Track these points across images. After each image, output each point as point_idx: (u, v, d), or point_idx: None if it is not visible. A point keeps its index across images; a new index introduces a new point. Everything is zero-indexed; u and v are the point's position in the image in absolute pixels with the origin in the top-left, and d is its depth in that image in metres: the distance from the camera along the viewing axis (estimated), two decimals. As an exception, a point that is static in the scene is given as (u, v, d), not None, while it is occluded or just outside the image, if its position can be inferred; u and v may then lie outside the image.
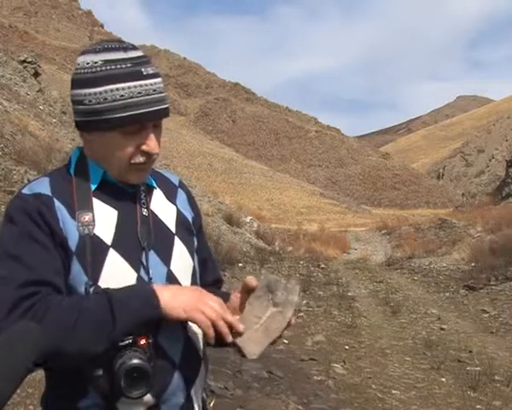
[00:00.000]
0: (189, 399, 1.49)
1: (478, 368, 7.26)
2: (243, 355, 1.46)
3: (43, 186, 1.45)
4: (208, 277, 1.72)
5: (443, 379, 7.06)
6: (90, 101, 1.41)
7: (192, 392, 1.50)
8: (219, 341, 1.43)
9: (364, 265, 20.68)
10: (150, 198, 1.55)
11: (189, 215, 1.63)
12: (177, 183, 1.66)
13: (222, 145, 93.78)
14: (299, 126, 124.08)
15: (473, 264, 15.66)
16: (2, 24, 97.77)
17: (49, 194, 1.43)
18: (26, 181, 10.59)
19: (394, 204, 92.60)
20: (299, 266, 17.25)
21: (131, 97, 1.40)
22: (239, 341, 1.44)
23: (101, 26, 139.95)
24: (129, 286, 1.38)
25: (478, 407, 6.06)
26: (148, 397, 1.38)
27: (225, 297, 1.58)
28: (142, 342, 1.36)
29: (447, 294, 13.57)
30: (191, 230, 1.62)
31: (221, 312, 1.40)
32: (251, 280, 1.51)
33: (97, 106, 1.41)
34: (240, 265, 14.26)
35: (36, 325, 1.28)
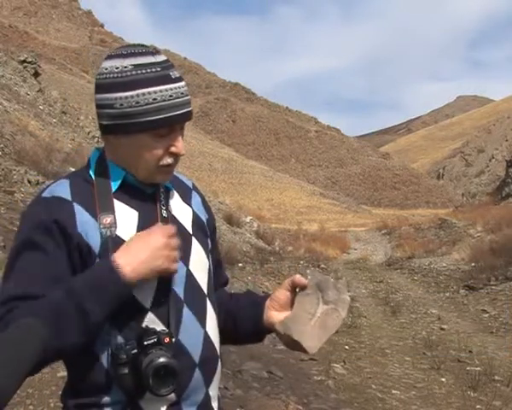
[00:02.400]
0: (207, 397, 1.52)
1: (478, 368, 7.26)
2: (303, 350, 1.50)
3: (64, 190, 1.46)
4: (222, 278, 1.77)
5: (443, 379, 7.06)
6: (121, 104, 1.43)
7: (210, 390, 1.53)
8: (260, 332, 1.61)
9: (364, 265, 20.69)
10: (168, 199, 1.57)
11: (203, 217, 1.65)
12: (190, 185, 1.69)
13: (222, 145, 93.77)
14: (299, 126, 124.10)
15: (473, 264, 15.66)
16: (2, 24, 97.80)
17: (69, 198, 1.45)
18: (25, 181, 10.59)
19: (394, 204, 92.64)
20: (299, 266, 17.25)
21: (164, 100, 1.43)
22: (298, 336, 1.48)
23: (102, 25, 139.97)
24: (90, 272, 1.38)
25: (478, 406, 6.06)
26: (171, 394, 1.41)
27: (261, 300, 1.65)
28: (167, 340, 1.39)
29: (447, 294, 13.58)
30: (206, 231, 1.64)
31: (172, 242, 1.42)
32: (301, 279, 1.56)
33: (129, 109, 1.42)
34: (240, 265, 14.26)
35: (39, 322, 1.28)
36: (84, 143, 21.64)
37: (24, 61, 26.73)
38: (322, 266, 18.42)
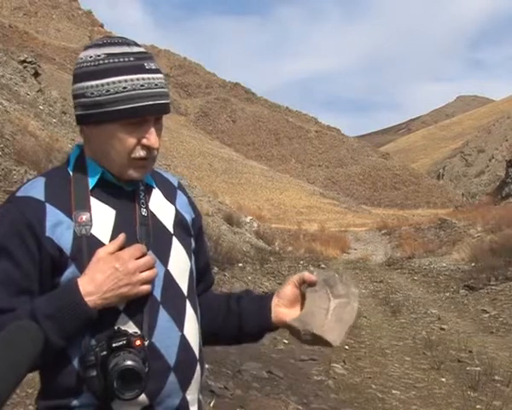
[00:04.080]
0: (184, 401, 1.48)
1: (478, 368, 7.26)
2: (326, 344, 1.52)
3: (37, 189, 1.44)
4: (209, 281, 1.73)
5: (443, 379, 7.06)
6: (92, 93, 1.41)
7: (187, 394, 1.49)
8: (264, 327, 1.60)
9: (364, 265, 20.68)
10: (149, 197, 1.53)
11: (188, 217, 1.61)
12: (176, 184, 1.65)
13: (222, 145, 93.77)
14: (299, 126, 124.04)
15: (473, 264, 15.66)
16: (2, 24, 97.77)
17: (42, 198, 1.41)
18: (25, 181, 10.59)
19: (394, 204, 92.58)
20: (299, 266, 17.25)
21: (134, 90, 1.40)
22: (319, 331, 1.50)
23: (101, 25, 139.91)
24: (54, 299, 1.36)
25: (478, 406, 6.06)
26: (143, 398, 1.38)
27: (264, 300, 1.63)
28: (138, 343, 1.36)
29: (447, 294, 13.58)
30: (189, 231, 1.60)
31: (141, 264, 1.39)
32: (311, 275, 1.57)
33: (99, 98, 1.40)
34: (240, 265, 14.26)
35: (36, 325, 1.28)
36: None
37: (24, 61, 26.72)
38: (322, 266, 18.41)
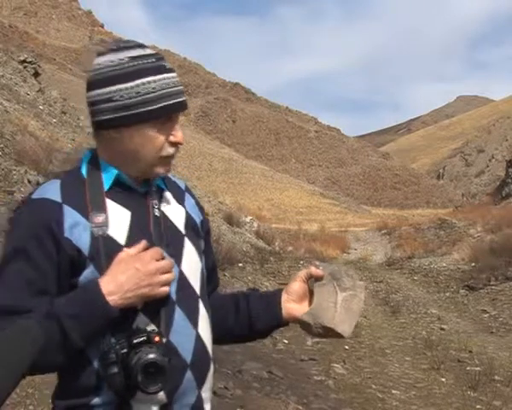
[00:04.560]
0: (199, 399, 1.51)
1: (478, 368, 7.27)
2: (337, 336, 1.57)
3: (54, 191, 1.46)
4: (216, 281, 1.78)
5: (443, 379, 7.07)
6: (121, 96, 1.44)
7: (202, 392, 1.52)
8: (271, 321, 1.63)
9: (364, 265, 20.68)
10: (161, 199, 1.57)
11: (197, 218, 1.65)
12: (183, 187, 1.68)
13: (222, 145, 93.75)
14: (299, 126, 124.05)
15: (473, 264, 15.66)
16: (2, 24, 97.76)
17: (59, 200, 1.44)
18: (25, 181, 10.59)
19: (394, 204, 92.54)
20: (299, 266, 17.23)
21: (162, 89, 1.45)
22: (330, 323, 1.55)
23: (102, 25, 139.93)
24: (76, 298, 1.39)
25: (478, 406, 6.06)
26: (161, 395, 1.41)
27: (273, 296, 1.66)
28: (156, 339, 1.39)
29: (447, 294, 13.58)
30: (199, 233, 1.64)
31: (160, 266, 1.43)
32: (318, 270, 1.61)
33: (130, 100, 1.43)
34: (240, 265, 14.25)
35: (35, 322, 1.29)
36: (85, 143, 21.62)
37: (24, 61, 26.72)
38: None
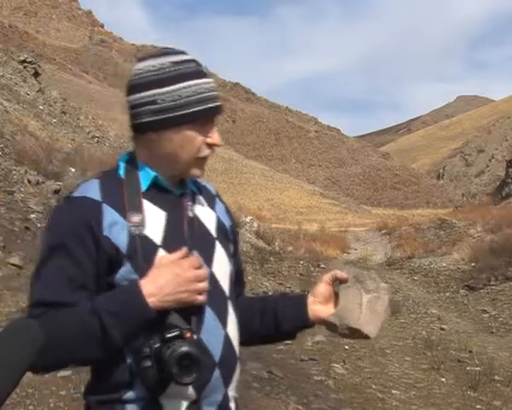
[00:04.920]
0: (226, 398, 1.56)
1: (478, 368, 7.27)
2: (363, 336, 1.62)
3: (94, 190, 1.51)
4: (243, 284, 1.84)
5: (443, 379, 7.07)
6: (163, 100, 1.49)
7: (229, 390, 1.57)
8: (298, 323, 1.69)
9: (364, 265, 20.67)
10: (194, 202, 1.62)
11: (227, 223, 1.71)
12: (214, 192, 1.74)
13: (222, 145, 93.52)
14: (299, 126, 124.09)
15: (473, 264, 15.66)
16: (2, 24, 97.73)
17: (99, 199, 1.49)
18: (25, 181, 10.59)
19: (394, 204, 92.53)
20: (299, 266, 17.25)
21: (203, 93, 1.52)
22: (356, 324, 1.60)
23: (101, 25, 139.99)
24: (117, 296, 1.44)
25: (478, 406, 6.06)
26: (191, 392, 1.46)
27: (299, 299, 1.71)
28: (188, 335, 1.43)
29: (447, 294, 13.59)
30: (229, 236, 1.69)
31: (199, 274, 1.48)
32: (343, 273, 1.66)
33: (171, 103, 1.49)
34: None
35: (36, 322, 1.30)
36: (84, 143, 21.64)
37: (24, 61, 26.74)
38: (322, 266, 18.39)
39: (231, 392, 1.58)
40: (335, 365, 7.23)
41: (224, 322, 1.55)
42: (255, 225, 23.99)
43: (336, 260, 18.22)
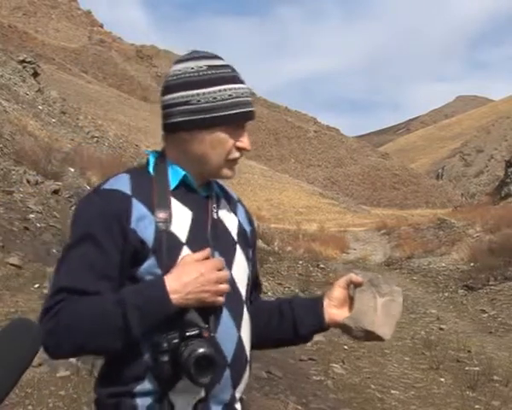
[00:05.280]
0: (233, 398, 1.58)
1: (477, 368, 7.27)
2: (378, 339, 1.67)
3: (124, 184, 1.55)
4: (260, 289, 1.87)
5: (442, 379, 7.07)
6: (198, 100, 1.54)
7: (236, 392, 1.59)
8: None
9: (364, 265, 20.67)
10: (218, 205, 1.66)
11: (247, 228, 1.76)
12: (236, 198, 1.79)
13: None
14: (299, 126, 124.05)
15: (472, 264, 15.66)
16: (1, 24, 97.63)
17: (129, 192, 1.53)
18: (24, 181, 10.59)
19: (393, 204, 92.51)
20: (298, 266, 17.25)
21: (237, 97, 1.57)
22: (371, 327, 1.64)
23: (101, 26, 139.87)
24: (142, 289, 1.47)
25: (477, 406, 6.07)
26: (200, 389, 1.48)
27: (314, 302, 1.74)
28: (206, 334, 1.47)
29: (446, 294, 13.59)
30: (248, 242, 1.74)
31: (222, 276, 1.51)
32: (358, 277, 1.70)
33: (206, 104, 1.54)
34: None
35: (37, 323, 1.31)
36: (84, 143, 21.63)
37: (23, 61, 26.74)
38: (322, 266, 18.40)
39: (238, 393, 1.61)
40: (334, 365, 7.24)
41: (238, 325, 1.58)
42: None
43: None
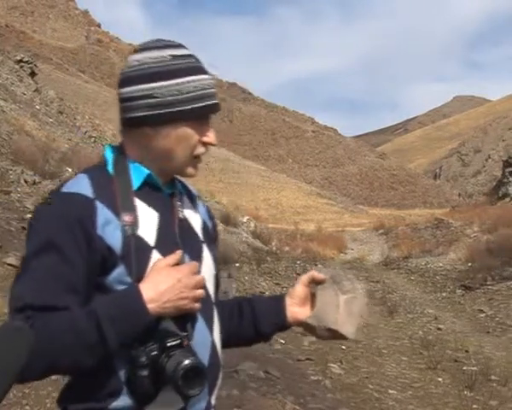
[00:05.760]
0: (209, 405, 1.51)
1: (474, 368, 7.27)
2: (341, 337, 1.61)
3: (84, 185, 1.42)
4: (219, 286, 1.77)
5: (439, 379, 7.07)
6: (162, 94, 1.43)
7: (212, 398, 1.52)
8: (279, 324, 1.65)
9: (361, 265, 20.68)
10: (182, 203, 1.57)
11: (210, 224, 1.67)
12: (196, 193, 1.68)
13: (219, 145, 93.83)
14: (296, 126, 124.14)
15: (469, 264, 15.68)
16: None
17: (91, 196, 1.40)
18: (22, 181, 10.58)
19: (391, 204, 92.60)
20: (296, 266, 17.25)
21: (203, 89, 1.46)
22: (334, 325, 1.59)
23: (98, 25, 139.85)
24: (115, 300, 1.37)
25: (474, 406, 6.07)
26: (178, 400, 1.39)
27: (274, 301, 1.69)
28: (186, 343, 1.39)
29: (444, 294, 13.60)
30: (212, 239, 1.65)
31: (198, 281, 1.43)
32: (320, 274, 1.64)
33: (171, 98, 1.43)
34: (237, 265, 14.25)
35: (25, 324, 1.26)
36: (81, 142, 21.60)
37: (20, 61, 26.70)
38: (320, 266, 18.42)
39: (213, 400, 1.53)
40: (332, 365, 7.24)
41: (211, 328, 1.51)
42: (252, 225, 23.99)
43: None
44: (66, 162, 14.05)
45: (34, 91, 24.76)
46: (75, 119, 27.70)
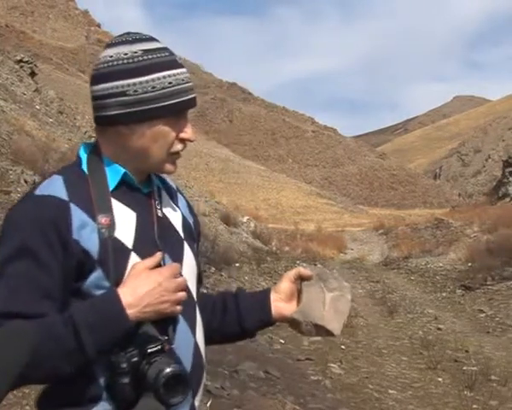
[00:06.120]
0: (193, 407, 1.48)
1: (474, 368, 7.28)
2: (328, 334, 1.61)
3: (58, 188, 1.37)
4: (202, 282, 1.72)
5: (439, 379, 7.07)
6: (135, 91, 1.38)
7: (196, 401, 1.49)
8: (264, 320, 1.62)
9: (361, 265, 20.69)
10: (161, 200, 1.52)
11: (190, 220, 1.62)
12: (175, 187, 1.63)
13: (219, 145, 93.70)
14: (296, 126, 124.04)
15: (469, 264, 15.68)
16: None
17: (65, 198, 1.35)
18: (22, 181, 10.57)
19: (391, 204, 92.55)
20: (295, 266, 17.16)
21: (178, 84, 1.41)
22: (320, 321, 1.59)
23: (98, 25, 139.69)
24: (93, 306, 1.32)
25: (474, 406, 6.07)
26: (160, 405, 1.35)
27: (260, 295, 1.66)
28: (167, 348, 1.36)
29: (444, 294, 13.60)
30: (193, 236, 1.61)
31: (179, 283, 1.39)
32: (306, 270, 1.62)
33: (145, 95, 1.38)
34: (237, 265, 14.25)
35: (30, 326, 1.25)
36: (81, 143, 21.56)
37: (20, 61, 26.68)
38: (319, 266, 18.41)
39: (197, 402, 1.49)
40: (332, 364, 7.24)
41: (193, 329, 1.47)
42: (252, 225, 24.01)
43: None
44: (66, 162, 14.04)
45: (34, 91, 24.75)
46: (75, 119, 27.69)
